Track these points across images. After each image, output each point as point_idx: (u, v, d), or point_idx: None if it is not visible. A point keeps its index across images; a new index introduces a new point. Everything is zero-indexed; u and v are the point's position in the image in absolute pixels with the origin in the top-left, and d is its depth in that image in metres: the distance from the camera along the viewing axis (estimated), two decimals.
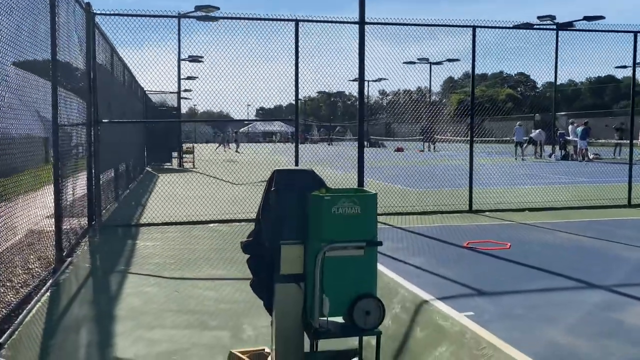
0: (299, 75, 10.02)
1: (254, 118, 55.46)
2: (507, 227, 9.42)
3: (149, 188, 16.47)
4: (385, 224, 9.53)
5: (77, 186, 8.77)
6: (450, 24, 10.97)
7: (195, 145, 31.07)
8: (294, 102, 10.50)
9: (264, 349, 4.44)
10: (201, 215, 10.42)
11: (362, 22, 9.66)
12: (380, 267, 4.75)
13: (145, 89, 23.41)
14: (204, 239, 8.85)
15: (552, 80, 29.61)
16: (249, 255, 4.38)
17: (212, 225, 9.86)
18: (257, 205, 4.26)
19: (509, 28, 11.50)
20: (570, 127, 29.70)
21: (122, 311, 5.49)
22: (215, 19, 12.62)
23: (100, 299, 5.98)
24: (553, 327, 4.58)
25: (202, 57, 21.28)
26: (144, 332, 4.98)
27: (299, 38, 9.93)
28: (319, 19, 10.22)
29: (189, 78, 27.55)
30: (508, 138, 31.96)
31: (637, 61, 11.79)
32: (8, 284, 5.44)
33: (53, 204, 6.71)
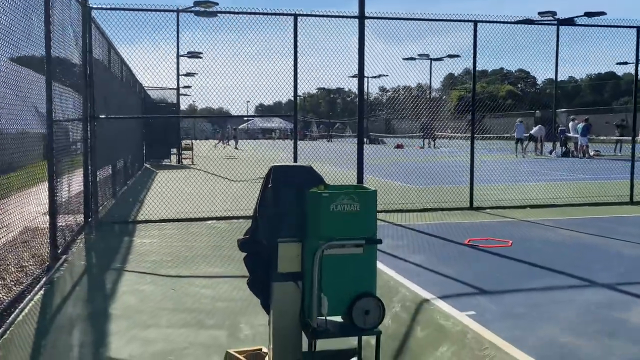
0: (298, 71, 9.93)
1: (253, 114, 55.35)
2: (509, 225, 9.32)
3: (147, 184, 16.37)
4: (385, 221, 9.44)
5: (73, 182, 8.67)
6: (451, 18, 10.86)
7: (195, 141, 31.01)
8: (293, 99, 10.39)
9: (261, 349, 4.36)
10: (199, 212, 10.32)
11: (361, 17, 9.56)
12: (379, 265, 4.65)
13: (144, 85, 23.30)
14: (202, 236, 8.75)
15: (552, 77, 29.55)
16: (246, 253, 4.30)
17: (210, 222, 9.76)
18: (255, 202, 4.17)
19: (510, 23, 11.39)
20: (571, 123, 29.60)
21: (117, 310, 5.39)
22: (214, 13, 12.53)
23: (95, 297, 5.88)
24: (555, 327, 4.49)
25: (201, 53, 21.20)
26: (139, 331, 4.88)
27: (298, 33, 9.83)
28: (318, 13, 10.11)
29: (187, 74, 27.45)
30: (508, 135, 31.86)
31: None
32: (0, 282, 5.34)
33: (47, 201, 6.61)
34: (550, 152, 29.36)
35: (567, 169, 20.34)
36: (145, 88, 24.79)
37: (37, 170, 6.46)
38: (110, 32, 11.10)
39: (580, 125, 27.40)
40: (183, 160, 26.25)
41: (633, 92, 12.12)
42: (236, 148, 40.45)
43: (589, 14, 26.50)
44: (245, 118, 63.57)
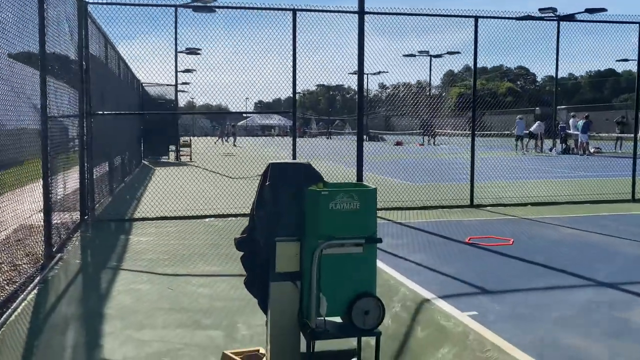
0: (298, 67, 9.82)
1: (251, 111, 55.22)
2: (509, 222, 9.22)
3: (145, 182, 16.27)
4: (384, 219, 9.34)
5: (69, 180, 8.56)
6: (452, 14, 10.75)
7: (193, 138, 30.89)
8: (292, 95, 10.28)
9: (258, 350, 4.27)
10: (197, 209, 10.22)
11: (361, 12, 9.45)
12: (379, 264, 4.55)
13: (142, 81, 23.17)
14: (199, 234, 8.65)
15: (552, 73, 29.42)
16: (243, 252, 4.20)
17: (207, 220, 9.66)
18: (253, 200, 4.07)
19: (511, 18, 11.28)
20: (571, 120, 29.51)
21: (111, 310, 5.29)
22: (212, 8, 12.44)
23: (90, 296, 5.78)
24: (559, 327, 4.39)
25: (199, 49, 21.07)
26: (134, 332, 4.78)
27: (297, 29, 9.72)
28: (317, 8, 10.00)
29: (186, 71, 27.30)
30: (508, 132, 31.76)
31: None
32: None
33: (42, 198, 6.50)
34: (551, 150, 29.27)
35: (568, 166, 20.25)
36: (143, 84, 24.67)
37: (32, 168, 6.35)
38: (107, 28, 11.00)
39: (581, 122, 27.30)
40: (181, 157, 26.16)
41: (635, 89, 12.01)
42: (234, 145, 40.29)
43: (589, 11, 26.41)
44: (244, 115, 63.47)
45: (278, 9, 9.86)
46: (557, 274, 6.01)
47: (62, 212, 7.78)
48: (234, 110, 27.41)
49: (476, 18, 10.64)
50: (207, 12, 13.24)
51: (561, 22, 18.40)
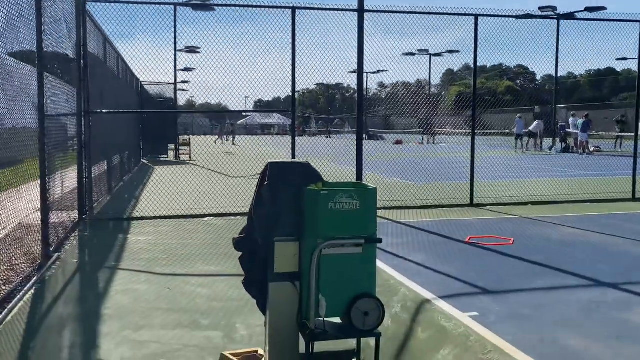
0: (297, 66, 9.77)
1: (251, 109, 55.14)
2: (510, 222, 9.18)
3: (144, 180, 16.21)
4: (384, 218, 9.29)
5: (67, 178, 8.51)
6: (452, 12, 10.71)
7: (193, 137, 30.84)
8: (291, 94, 10.22)
9: (257, 351, 4.23)
10: (196, 208, 10.17)
11: (361, 10, 9.39)
12: (379, 263, 4.51)
13: (141, 80, 23.09)
14: (198, 233, 8.60)
15: (551, 72, 29.38)
16: (241, 253, 4.16)
17: (206, 219, 9.61)
18: (251, 200, 4.02)
19: (511, 17, 11.24)
20: (571, 119, 29.48)
21: (109, 310, 5.24)
22: (212, 6, 12.37)
23: (87, 296, 5.73)
24: (562, 328, 4.35)
25: (199, 47, 21.01)
26: (131, 332, 4.73)
27: (297, 27, 9.66)
28: (316, 6, 9.94)
29: (185, 69, 27.25)
30: (507, 130, 31.71)
31: None
32: None
33: (39, 197, 6.45)
34: (550, 148, 29.23)
35: (568, 165, 20.20)
36: (143, 83, 24.60)
37: (29, 167, 6.30)
38: (106, 26, 10.94)
39: (580, 121, 27.26)
40: (181, 156, 26.11)
41: (636, 88, 11.96)
42: (233, 144, 40.18)
43: (589, 9, 26.35)
44: (244, 114, 63.39)
45: (277, 7, 9.81)
46: (558, 274, 5.97)
47: (60, 211, 7.72)
48: (233, 109, 27.33)
49: (476, 16, 10.59)
50: (206, 11, 13.20)
51: (561, 21, 18.36)
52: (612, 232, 8.27)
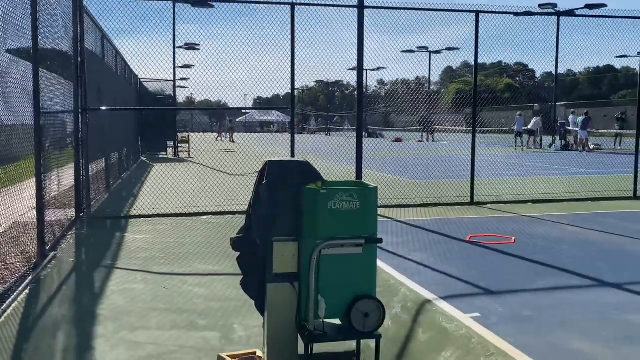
0: (296, 63, 9.68)
1: (250, 106, 54.99)
2: (511, 220, 9.09)
3: (142, 178, 16.13)
4: (383, 216, 9.21)
5: (64, 176, 8.42)
6: (453, 9, 10.62)
7: (192, 134, 30.74)
8: (290, 91, 10.13)
9: (255, 352, 4.15)
10: (194, 206, 10.09)
11: (361, 6, 9.29)
12: (379, 263, 4.43)
13: (140, 76, 23.00)
14: (196, 231, 8.51)
15: (550, 70, 29.33)
16: (239, 253, 4.08)
17: (205, 217, 9.53)
18: (250, 198, 3.94)
19: (513, 14, 11.16)
20: (570, 117, 29.41)
21: (104, 310, 5.15)
22: (210, 4, 12.29)
23: (82, 297, 5.65)
24: (567, 331, 4.26)
25: (198, 44, 20.92)
26: (127, 333, 4.65)
27: (296, 24, 9.57)
28: (316, 2, 9.85)
29: (185, 66, 27.15)
30: (507, 128, 31.65)
31: None
32: None
33: (35, 195, 6.35)
34: (550, 146, 29.16)
35: (568, 162, 20.11)
36: (141, 80, 24.50)
37: (26, 164, 6.21)
38: (104, 23, 10.85)
39: (580, 119, 27.20)
40: (180, 153, 26.03)
41: (638, 85, 11.88)
42: (232, 141, 40.06)
43: (589, 6, 26.26)
44: (243, 111, 63.24)
45: (276, 3, 9.72)
46: (561, 274, 5.89)
47: (56, 209, 7.64)
48: (232, 107, 27.25)
49: (477, 13, 10.51)
50: (205, 8, 13.11)
51: (561, 18, 18.30)
52: (614, 231, 8.20)
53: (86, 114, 9.18)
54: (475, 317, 4.50)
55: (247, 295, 4.16)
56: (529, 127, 29.50)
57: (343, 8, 9.96)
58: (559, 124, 30.02)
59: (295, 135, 10.16)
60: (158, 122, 24.46)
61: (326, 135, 50.79)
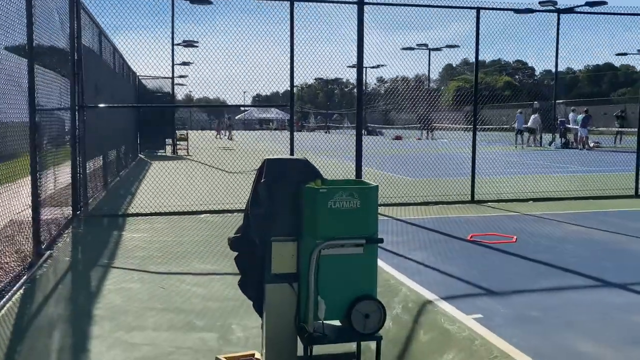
0: (295, 60, 9.59)
1: (248, 104, 54.82)
2: (512, 219, 9.02)
3: (140, 176, 16.04)
4: (383, 215, 9.13)
5: (61, 174, 8.33)
6: (453, 5, 10.52)
7: (191, 132, 30.66)
8: (289, 89, 10.05)
9: (253, 354, 4.08)
10: (192, 205, 10.00)
11: (361, 3, 9.21)
12: (379, 262, 4.34)
13: (138, 74, 22.91)
14: (194, 230, 8.43)
15: (550, 67, 29.25)
16: (237, 253, 3.99)
17: (203, 215, 9.44)
18: (248, 197, 3.86)
19: (514, 10, 11.08)
20: (570, 114, 29.35)
21: (100, 310, 5.07)
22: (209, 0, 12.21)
23: (78, 296, 5.56)
24: (572, 332, 4.18)
25: (196, 41, 20.82)
26: (123, 334, 4.56)
27: (295, 20, 9.48)
28: None
29: (183, 63, 27.03)
30: (507, 126, 31.57)
31: None
32: None
33: (30, 193, 6.27)
34: (550, 144, 29.10)
35: (568, 160, 20.05)
36: (140, 77, 24.40)
37: (22, 162, 6.13)
38: (102, 19, 10.75)
39: (580, 117, 27.13)
40: (178, 150, 25.95)
41: None
42: (230, 139, 39.95)
43: (590, 4, 26.18)
44: (242, 108, 63.11)
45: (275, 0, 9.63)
46: (564, 274, 5.81)
47: (52, 207, 7.55)
48: (231, 104, 27.15)
49: (478, 9, 10.42)
50: (204, 4, 13.02)
51: (561, 16, 18.21)
52: (616, 230, 8.13)
53: (83, 111, 9.10)
54: (477, 318, 4.42)
55: (245, 295, 4.08)
56: (528, 124, 29.43)
57: (343, 4, 9.88)
58: (559, 122, 29.95)
59: (295, 133, 10.09)
60: (156, 120, 24.39)
61: (325, 132, 50.71)
